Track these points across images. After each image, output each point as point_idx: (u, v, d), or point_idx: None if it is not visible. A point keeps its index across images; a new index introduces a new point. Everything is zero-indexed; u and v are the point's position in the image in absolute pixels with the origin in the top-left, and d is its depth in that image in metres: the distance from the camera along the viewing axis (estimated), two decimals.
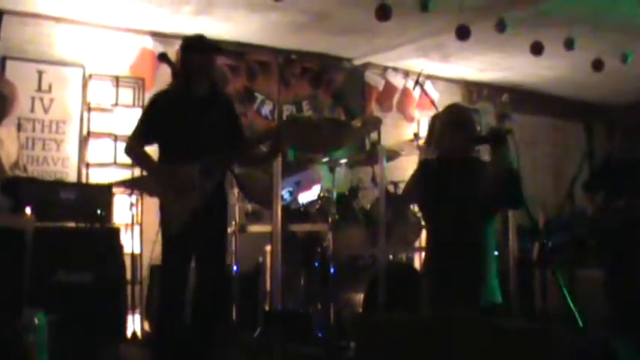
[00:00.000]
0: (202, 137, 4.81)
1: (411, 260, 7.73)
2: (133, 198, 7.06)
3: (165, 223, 4.79)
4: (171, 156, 4.84)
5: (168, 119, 4.81)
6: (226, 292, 4.96)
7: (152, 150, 4.98)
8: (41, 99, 7.53)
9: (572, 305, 4.15)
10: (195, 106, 4.84)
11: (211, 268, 4.92)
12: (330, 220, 6.24)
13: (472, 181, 4.48)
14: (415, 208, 6.68)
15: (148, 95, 7.53)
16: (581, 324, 4.13)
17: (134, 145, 4.94)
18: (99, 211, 5.97)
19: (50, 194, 5.82)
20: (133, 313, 6.75)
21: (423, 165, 4.76)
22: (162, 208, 4.87)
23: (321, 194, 6.78)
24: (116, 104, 7.76)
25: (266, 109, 8.94)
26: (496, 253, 7.60)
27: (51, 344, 4.59)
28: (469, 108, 6.86)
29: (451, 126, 4.59)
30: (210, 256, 4.91)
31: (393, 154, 7.01)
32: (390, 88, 10.03)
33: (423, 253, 5.48)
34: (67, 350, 4.95)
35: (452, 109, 4.80)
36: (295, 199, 6.86)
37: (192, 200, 4.70)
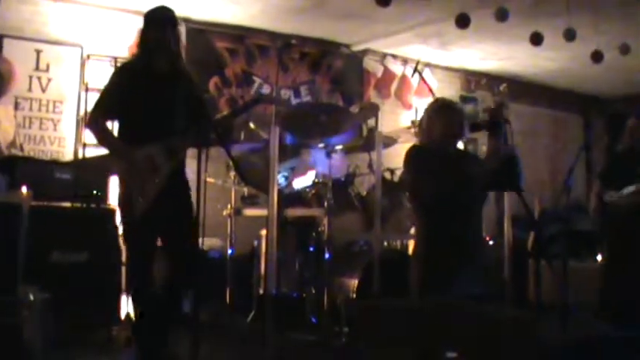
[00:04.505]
0: (162, 115, 4.71)
1: (405, 247, 7.74)
2: None
3: (126, 204, 4.68)
4: (130, 133, 4.73)
5: (129, 94, 4.69)
6: (197, 266, 4.87)
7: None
8: (39, 78, 7.51)
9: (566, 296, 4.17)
10: (155, 82, 4.72)
11: (180, 245, 4.77)
12: (325, 205, 6.24)
13: (463, 169, 4.49)
14: None
15: None
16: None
17: (98, 120, 4.80)
18: (95, 192, 5.96)
19: (46, 173, 5.82)
20: (127, 295, 6.76)
21: (412, 152, 4.73)
22: (122, 188, 4.74)
23: (316, 180, 6.78)
24: None
25: (264, 93, 8.93)
26: (491, 242, 7.69)
27: (44, 323, 4.60)
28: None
29: (439, 112, 4.62)
30: (177, 235, 4.76)
31: (390, 141, 7.01)
32: (388, 74, 10.03)
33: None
34: (60, 329, 4.95)
35: (437, 100, 4.89)
36: (290, 184, 6.86)
37: (154, 181, 4.63)
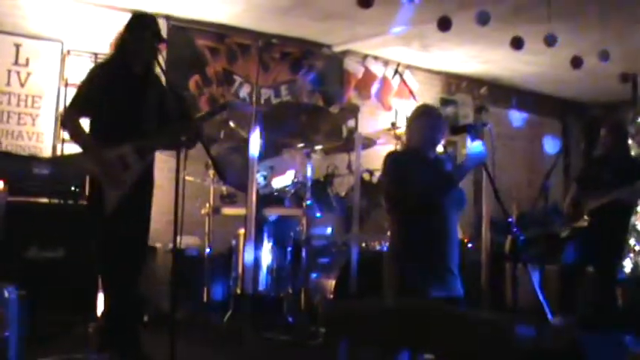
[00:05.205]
0: (135, 116, 4.84)
1: (384, 248, 7.76)
2: None
3: (96, 201, 4.77)
4: (103, 132, 4.82)
5: (104, 93, 4.79)
6: (141, 266, 5.05)
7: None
8: (18, 72, 7.46)
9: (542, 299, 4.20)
10: (131, 83, 4.85)
11: (138, 244, 4.97)
12: (304, 205, 6.24)
13: (442, 172, 4.52)
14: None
15: None
16: (550, 318, 4.18)
17: (73, 118, 4.90)
18: (73, 188, 5.93)
19: (24, 169, 5.78)
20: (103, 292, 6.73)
21: (391, 156, 4.74)
22: (93, 185, 4.88)
23: (295, 179, 6.79)
24: None
25: (244, 92, 8.92)
26: (470, 245, 7.72)
27: (20, 320, 4.56)
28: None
29: (420, 118, 4.65)
30: (136, 234, 4.94)
31: (369, 142, 7.02)
32: (369, 76, 10.04)
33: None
34: (37, 326, 4.92)
35: (419, 106, 4.92)
36: (269, 184, 6.86)
37: (124, 180, 4.73)
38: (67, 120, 4.99)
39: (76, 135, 4.93)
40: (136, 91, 4.87)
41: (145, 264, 5.17)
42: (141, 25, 4.87)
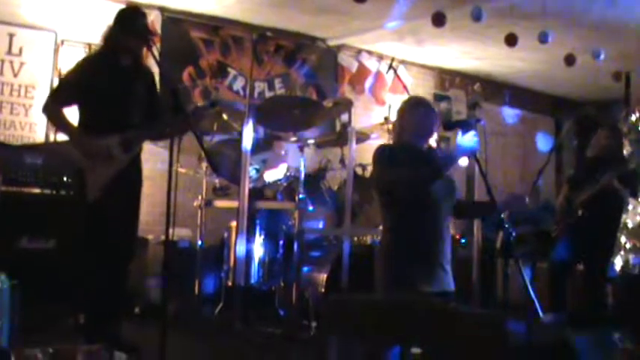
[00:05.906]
0: (124, 107, 4.92)
1: (376, 242, 7.77)
2: None
3: (81, 189, 4.87)
4: (89, 122, 4.90)
5: (91, 84, 4.88)
6: (131, 258, 5.11)
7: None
8: (11, 62, 7.44)
9: (532, 296, 4.21)
10: (119, 75, 4.92)
11: (125, 235, 5.05)
12: (296, 198, 6.24)
13: (433, 164, 4.51)
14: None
15: None
16: (541, 315, 4.19)
17: (55, 106, 5.00)
18: (65, 178, 5.92)
19: (16, 159, 5.77)
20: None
21: (381, 149, 4.72)
22: (80, 174, 4.93)
23: (288, 173, 6.79)
24: None
25: (238, 85, 8.91)
26: (463, 241, 7.73)
27: (11, 310, 4.56)
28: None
29: (411, 110, 4.64)
30: (123, 224, 5.01)
31: (362, 137, 7.03)
32: (363, 70, 10.04)
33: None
34: (28, 317, 4.92)
35: (409, 98, 4.91)
36: (262, 177, 6.86)
37: (108, 170, 4.80)
38: (49, 109, 5.07)
39: (60, 124, 5.07)
40: (124, 84, 4.93)
41: (133, 255, 5.20)
42: (129, 18, 4.92)
